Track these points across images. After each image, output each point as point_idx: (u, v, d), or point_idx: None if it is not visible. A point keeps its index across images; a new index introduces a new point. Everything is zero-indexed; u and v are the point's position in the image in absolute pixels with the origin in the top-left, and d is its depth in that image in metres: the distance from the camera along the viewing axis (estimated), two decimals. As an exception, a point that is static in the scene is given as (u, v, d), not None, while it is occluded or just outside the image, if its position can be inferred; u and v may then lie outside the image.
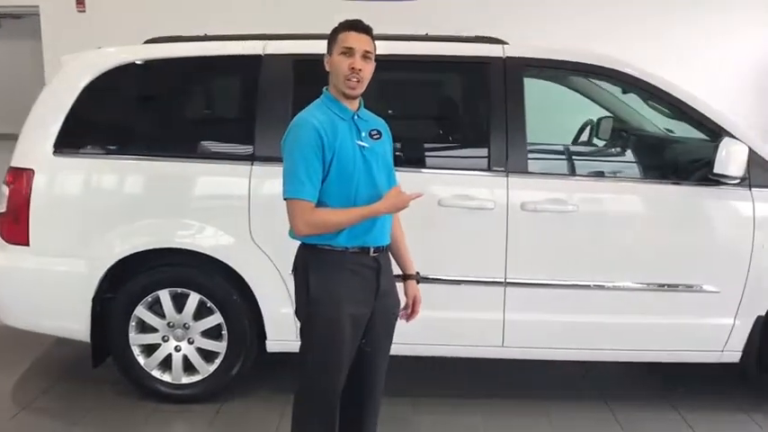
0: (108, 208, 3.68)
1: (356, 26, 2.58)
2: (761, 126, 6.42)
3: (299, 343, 2.68)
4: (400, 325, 2.79)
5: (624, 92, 4.12)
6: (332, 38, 2.61)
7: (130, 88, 3.84)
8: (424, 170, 3.67)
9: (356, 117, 2.62)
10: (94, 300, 3.67)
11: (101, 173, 3.71)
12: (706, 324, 3.62)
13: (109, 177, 3.72)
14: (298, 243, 2.66)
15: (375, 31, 2.61)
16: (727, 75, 6.58)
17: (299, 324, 2.69)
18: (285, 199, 2.55)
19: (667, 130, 4.34)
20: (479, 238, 3.58)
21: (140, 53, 3.80)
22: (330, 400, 2.67)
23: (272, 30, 4.00)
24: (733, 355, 3.65)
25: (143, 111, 3.90)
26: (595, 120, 4.47)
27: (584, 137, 4.47)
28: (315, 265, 2.59)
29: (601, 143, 4.31)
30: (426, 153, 3.81)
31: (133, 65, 3.75)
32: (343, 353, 2.62)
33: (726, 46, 6.66)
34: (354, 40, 2.55)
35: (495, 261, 3.56)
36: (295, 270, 2.69)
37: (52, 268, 3.69)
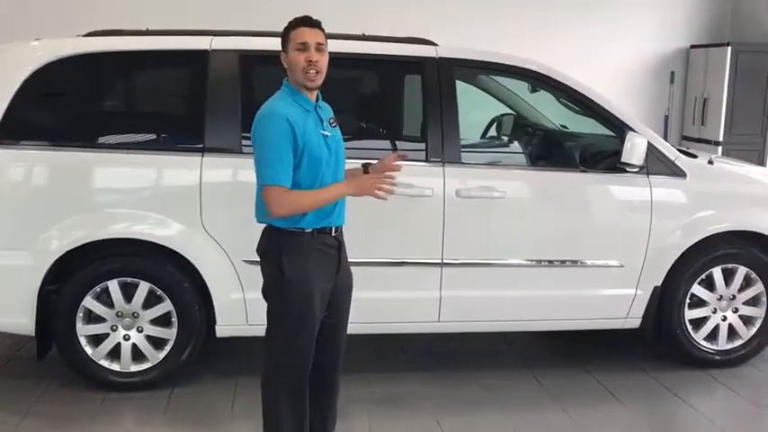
0: (55, 199, 3.68)
1: (306, 21, 2.78)
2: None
3: (267, 323, 2.87)
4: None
5: (533, 90, 4.58)
6: (284, 36, 2.78)
7: (76, 80, 3.82)
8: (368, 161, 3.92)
9: (317, 108, 2.84)
10: (39, 292, 3.66)
11: (46, 164, 3.71)
12: (612, 295, 4.13)
13: (55, 169, 3.71)
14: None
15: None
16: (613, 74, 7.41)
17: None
18: (262, 185, 2.72)
19: (562, 125, 4.87)
20: (419, 223, 3.90)
21: (86, 45, 3.81)
22: (302, 374, 2.88)
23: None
24: (634, 321, 4.19)
25: (90, 103, 3.90)
26: (502, 116, 4.95)
27: (506, 132, 4.89)
28: (286, 248, 2.79)
29: (524, 137, 4.75)
30: (369, 145, 4.06)
31: (79, 57, 3.74)
32: (315, 326, 2.85)
33: (614, 51, 7.53)
34: (306, 34, 2.74)
35: (433, 243, 3.89)
36: (264, 253, 2.87)
37: (-5, 262, 3.66)
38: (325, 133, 2.83)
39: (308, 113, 2.79)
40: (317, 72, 2.75)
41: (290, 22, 2.80)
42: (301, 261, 2.78)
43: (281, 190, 2.69)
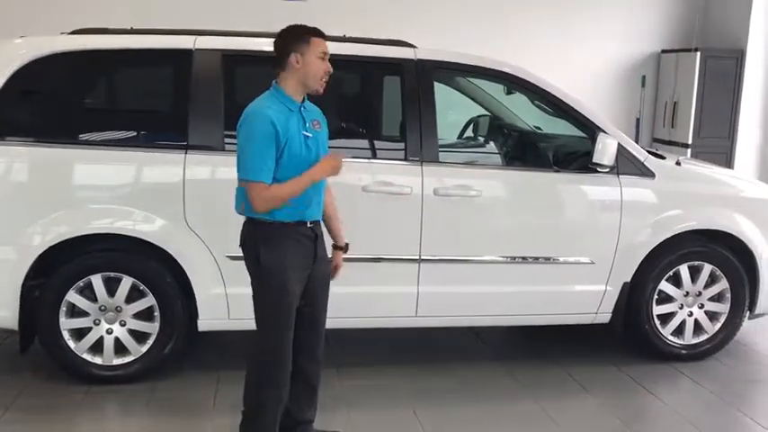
0: (40, 194, 3.72)
1: (321, 33, 2.95)
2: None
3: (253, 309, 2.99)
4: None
5: (508, 92, 4.71)
6: (302, 40, 2.89)
7: (61, 78, 3.86)
8: (349, 160, 4.00)
9: (302, 109, 2.96)
10: (22, 287, 3.70)
11: (31, 160, 3.75)
12: (583, 291, 4.27)
13: (40, 165, 3.75)
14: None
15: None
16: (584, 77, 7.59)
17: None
18: (246, 180, 2.86)
19: (536, 127, 5.01)
20: (398, 220, 4.01)
21: (71, 43, 3.85)
22: (284, 352, 3.00)
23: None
24: (605, 316, 4.33)
25: (74, 100, 3.95)
26: (478, 117, 5.08)
27: (482, 132, 5.02)
28: (263, 238, 2.93)
29: (499, 137, 4.88)
30: (351, 144, 4.16)
31: (64, 54, 3.78)
32: (293, 311, 2.99)
33: (587, 55, 7.73)
34: (326, 46, 2.93)
35: (411, 240, 4.00)
36: (243, 243, 3.01)
37: (-22, 256, 3.69)
38: (307, 134, 2.95)
39: (292, 113, 2.92)
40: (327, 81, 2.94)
41: (308, 28, 2.93)
42: (277, 250, 2.92)
43: (264, 187, 2.83)
